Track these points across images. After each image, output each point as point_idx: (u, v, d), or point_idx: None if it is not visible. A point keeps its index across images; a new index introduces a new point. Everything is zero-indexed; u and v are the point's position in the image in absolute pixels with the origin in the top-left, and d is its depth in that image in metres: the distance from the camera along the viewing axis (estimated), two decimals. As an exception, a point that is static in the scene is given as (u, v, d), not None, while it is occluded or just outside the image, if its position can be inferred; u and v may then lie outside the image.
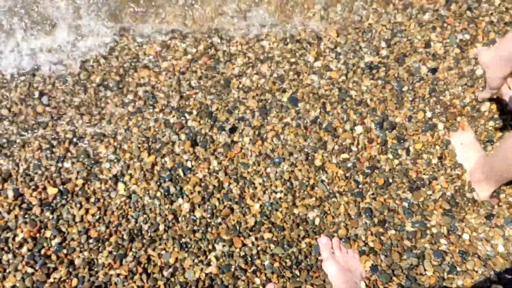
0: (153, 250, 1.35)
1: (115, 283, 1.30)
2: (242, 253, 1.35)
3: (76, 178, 1.47)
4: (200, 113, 1.60)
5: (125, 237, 1.37)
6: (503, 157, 1.22)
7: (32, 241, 1.36)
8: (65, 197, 1.43)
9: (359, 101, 1.62)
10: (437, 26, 1.75)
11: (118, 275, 1.31)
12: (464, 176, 1.46)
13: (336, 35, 1.77)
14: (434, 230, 1.38)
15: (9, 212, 1.41)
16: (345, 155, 1.51)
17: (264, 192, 1.45)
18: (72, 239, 1.37)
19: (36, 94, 1.65)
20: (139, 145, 1.54)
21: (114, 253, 1.34)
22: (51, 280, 1.30)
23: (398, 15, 1.81)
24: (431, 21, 1.77)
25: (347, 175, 1.48)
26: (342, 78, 1.67)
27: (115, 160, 1.51)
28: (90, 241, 1.36)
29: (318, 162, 1.50)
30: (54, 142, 1.54)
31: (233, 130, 1.57)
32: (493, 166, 1.32)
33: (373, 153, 1.52)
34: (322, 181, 1.47)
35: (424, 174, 1.48)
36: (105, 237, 1.37)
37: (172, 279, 1.31)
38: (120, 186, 1.46)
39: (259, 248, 1.36)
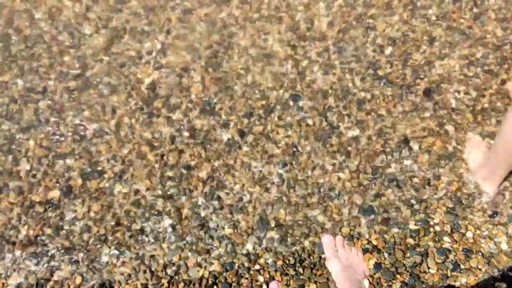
0: (157, 248, 1.35)
1: (119, 281, 1.30)
2: (245, 251, 1.35)
3: (78, 175, 1.47)
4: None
5: (128, 234, 1.37)
6: (506, 139, 1.22)
7: (36, 239, 1.36)
8: (68, 194, 1.43)
9: (363, 98, 1.61)
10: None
11: (121, 273, 1.31)
12: (468, 174, 1.46)
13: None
14: (438, 228, 1.38)
15: (12, 210, 1.41)
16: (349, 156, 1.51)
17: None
18: (75, 236, 1.37)
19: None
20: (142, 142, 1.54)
21: (118, 251, 1.34)
22: (55, 278, 1.30)
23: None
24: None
25: (352, 173, 1.48)
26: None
27: (118, 157, 1.51)
28: (93, 238, 1.36)
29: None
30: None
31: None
32: (497, 156, 1.31)
33: (377, 149, 1.51)
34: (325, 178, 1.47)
35: (428, 172, 1.48)
36: (109, 234, 1.37)
37: (176, 277, 1.31)
38: (123, 183, 1.46)
39: (262, 247, 1.36)
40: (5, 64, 1.70)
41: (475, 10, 1.77)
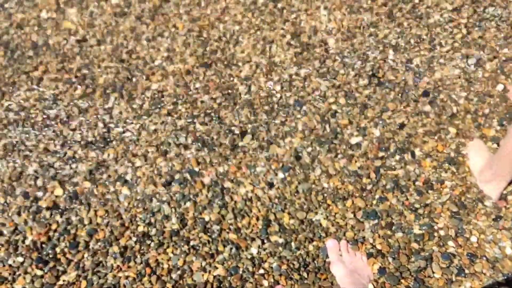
0: (162, 252, 1.36)
1: (124, 285, 1.30)
2: (249, 256, 1.35)
3: (84, 180, 1.49)
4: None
5: (133, 239, 1.38)
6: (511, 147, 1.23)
7: (42, 244, 1.37)
8: (74, 199, 1.45)
9: (365, 104, 1.63)
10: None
11: (126, 277, 1.32)
12: (472, 178, 1.46)
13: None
14: (442, 233, 1.38)
15: (19, 215, 1.42)
16: (353, 158, 1.52)
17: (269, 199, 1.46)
18: (81, 241, 1.38)
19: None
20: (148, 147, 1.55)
21: (123, 255, 1.35)
22: (61, 282, 1.31)
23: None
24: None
25: (355, 177, 1.49)
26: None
27: (124, 162, 1.53)
28: (99, 243, 1.37)
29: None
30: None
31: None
32: (501, 159, 1.32)
33: (380, 154, 1.52)
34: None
35: (431, 176, 1.48)
36: (114, 239, 1.38)
37: (181, 282, 1.31)
38: (128, 188, 1.47)
39: (267, 251, 1.36)
40: (13, 71, 1.73)
41: (474, 16, 1.79)
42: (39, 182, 1.49)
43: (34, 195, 1.46)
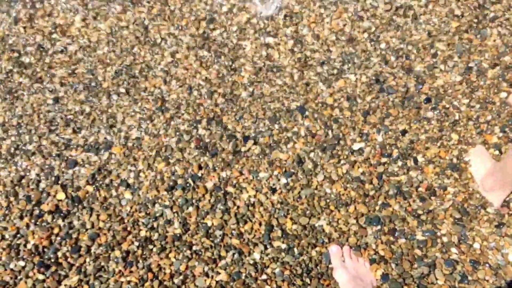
0: (164, 257, 1.35)
1: (126, 290, 1.30)
2: (252, 261, 1.35)
3: (87, 184, 1.48)
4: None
5: (135, 243, 1.37)
6: None
7: (43, 248, 1.36)
8: (76, 203, 1.45)
9: (368, 109, 1.63)
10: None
11: (128, 282, 1.31)
12: (474, 185, 1.46)
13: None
14: (445, 239, 1.38)
15: (21, 219, 1.42)
16: (355, 164, 1.52)
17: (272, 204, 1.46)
18: (83, 246, 1.37)
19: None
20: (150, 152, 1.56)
21: (125, 260, 1.35)
22: (62, 287, 1.30)
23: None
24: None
25: (358, 183, 1.49)
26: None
27: (126, 167, 1.53)
28: (101, 248, 1.37)
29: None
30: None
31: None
32: (505, 169, 1.33)
33: (383, 160, 1.53)
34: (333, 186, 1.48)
35: (434, 182, 1.49)
36: (116, 244, 1.37)
37: (183, 287, 1.31)
38: (130, 192, 1.47)
39: (269, 256, 1.36)
40: (18, 75, 1.74)
41: (476, 23, 1.80)
42: (42, 186, 1.48)
43: (36, 199, 1.45)
